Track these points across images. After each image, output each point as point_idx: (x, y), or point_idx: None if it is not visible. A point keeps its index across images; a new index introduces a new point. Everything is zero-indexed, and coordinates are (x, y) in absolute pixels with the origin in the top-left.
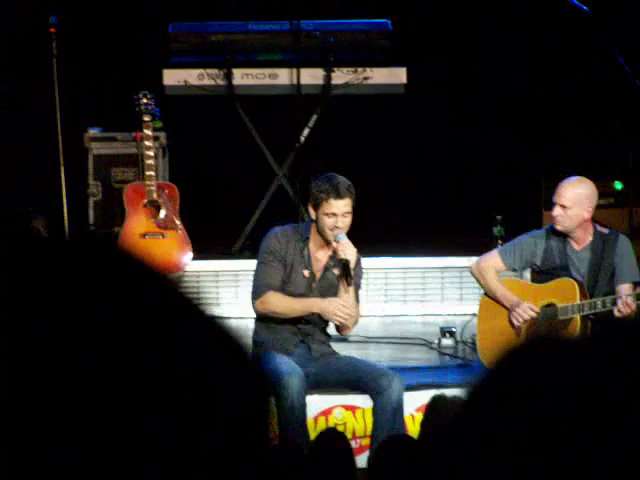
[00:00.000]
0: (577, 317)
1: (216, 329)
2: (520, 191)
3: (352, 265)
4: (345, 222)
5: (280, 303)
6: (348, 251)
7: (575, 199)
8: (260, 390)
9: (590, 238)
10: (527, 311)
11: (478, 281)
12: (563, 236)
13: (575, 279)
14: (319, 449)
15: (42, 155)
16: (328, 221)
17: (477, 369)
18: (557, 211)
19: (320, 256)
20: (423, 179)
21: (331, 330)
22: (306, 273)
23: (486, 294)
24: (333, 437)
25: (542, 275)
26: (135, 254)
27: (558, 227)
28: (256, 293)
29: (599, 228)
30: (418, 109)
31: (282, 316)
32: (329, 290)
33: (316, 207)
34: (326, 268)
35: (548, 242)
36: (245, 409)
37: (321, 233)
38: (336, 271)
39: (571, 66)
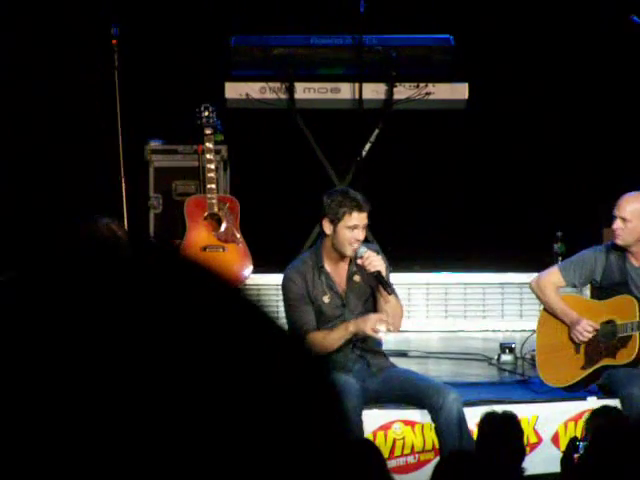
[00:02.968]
0: (637, 335)
1: (292, 341)
2: (580, 208)
3: (384, 273)
4: (362, 235)
5: (321, 343)
6: (375, 262)
7: (635, 213)
8: (337, 403)
9: None
10: (587, 328)
11: (538, 297)
12: (623, 252)
13: (635, 296)
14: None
15: (103, 167)
16: (349, 234)
17: (536, 386)
18: (617, 224)
19: (340, 270)
20: (484, 195)
21: (388, 345)
22: (326, 299)
23: (546, 310)
24: (365, 449)
25: (602, 291)
26: (202, 263)
27: (617, 241)
28: None
29: None
30: (480, 125)
31: (328, 351)
32: (363, 296)
33: (336, 221)
34: (349, 278)
35: (608, 258)
36: (321, 424)
37: (337, 249)
38: (358, 277)
39: (634, 85)
